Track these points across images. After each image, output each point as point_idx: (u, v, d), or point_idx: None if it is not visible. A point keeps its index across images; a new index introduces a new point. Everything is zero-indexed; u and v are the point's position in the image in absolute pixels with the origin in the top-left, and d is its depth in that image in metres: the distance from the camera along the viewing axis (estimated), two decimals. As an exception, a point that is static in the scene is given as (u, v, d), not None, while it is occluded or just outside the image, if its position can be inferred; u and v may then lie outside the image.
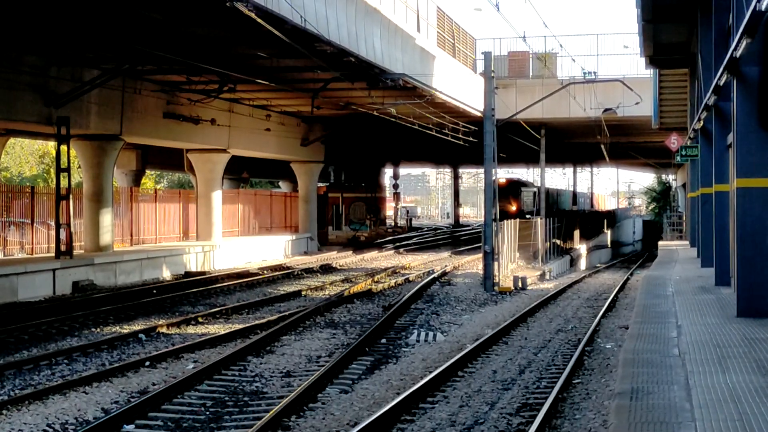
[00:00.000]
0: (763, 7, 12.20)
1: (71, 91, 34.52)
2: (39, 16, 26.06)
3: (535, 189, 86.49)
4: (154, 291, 32.82)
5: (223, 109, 46.65)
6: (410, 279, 38.14)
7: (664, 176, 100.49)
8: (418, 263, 47.13)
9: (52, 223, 36.44)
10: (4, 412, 14.47)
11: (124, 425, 13.61)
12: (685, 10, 32.40)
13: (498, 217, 36.83)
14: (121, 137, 39.54)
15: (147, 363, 18.64)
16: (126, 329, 23.25)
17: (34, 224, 38.12)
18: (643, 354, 14.50)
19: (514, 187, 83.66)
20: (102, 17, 27.08)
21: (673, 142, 47.39)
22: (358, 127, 58.43)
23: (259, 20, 24.90)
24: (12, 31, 29.06)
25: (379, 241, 68.49)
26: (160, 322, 24.32)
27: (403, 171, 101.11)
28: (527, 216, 77.93)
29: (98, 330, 23.68)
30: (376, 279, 37.54)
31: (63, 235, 35.31)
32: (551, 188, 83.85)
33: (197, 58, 33.10)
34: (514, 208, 79.87)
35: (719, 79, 20.45)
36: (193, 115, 44.32)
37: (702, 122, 29.03)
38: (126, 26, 28.31)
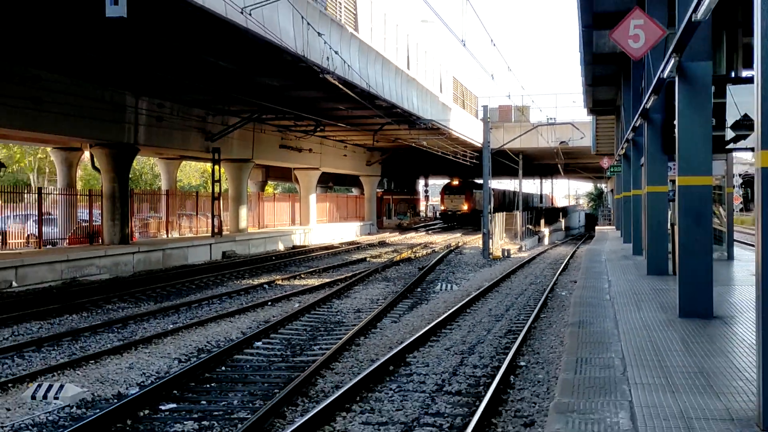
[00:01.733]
0: (665, 76, 12.14)
1: (221, 132, 34.84)
2: (201, 88, 26.33)
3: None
4: (273, 258, 33.05)
5: (316, 142, 46.84)
6: (435, 250, 38.14)
7: (599, 185, 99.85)
8: (441, 240, 47.09)
9: (209, 215, 36.85)
10: (181, 333, 14.74)
11: (255, 342, 13.83)
12: (614, 78, 32.27)
13: (493, 210, 36.83)
14: (252, 160, 39.91)
15: (269, 303, 18.83)
16: (255, 282, 23.48)
17: (198, 215, 38.55)
18: (586, 298, 14.51)
19: (467, 186, 70.92)
20: (241, 85, 27.32)
21: (605, 162, 47.30)
22: (402, 153, 58.56)
23: (340, 86, 25.03)
24: (187, 96, 29.39)
25: (414, 226, 68.59)
26: (277, 277, 24.53)
27: (431, 181, 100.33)
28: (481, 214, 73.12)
29: (238, 282, 23.91)
30: (413, 250, 37.56)
31: (216, 222, 35.73)
32: (525, 192, 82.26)
33: (300, 109, 33.26)
34: (465, 207, 69.57)
35: (635, 122, 20.38)
36: (297, 146, 44.54)
37: (624, 150, 28.86)
38: (255, 90, 28.53)
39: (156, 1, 15.75)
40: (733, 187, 22.72)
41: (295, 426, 8.04)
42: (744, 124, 12.40)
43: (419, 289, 21.91)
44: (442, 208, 72.11)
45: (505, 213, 45.54)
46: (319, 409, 8.70)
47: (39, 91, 23.90)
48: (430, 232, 60.36)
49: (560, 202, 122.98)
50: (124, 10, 11.12)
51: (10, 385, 10.70)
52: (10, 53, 21.73)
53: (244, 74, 25.28)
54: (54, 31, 19.01)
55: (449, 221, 70.17)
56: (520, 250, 39.40)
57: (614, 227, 48.63)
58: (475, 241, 44.61)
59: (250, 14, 17.79)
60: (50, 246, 28.18)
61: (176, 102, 31.34)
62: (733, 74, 17.71)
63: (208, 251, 32.36)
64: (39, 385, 10.13)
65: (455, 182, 70.84)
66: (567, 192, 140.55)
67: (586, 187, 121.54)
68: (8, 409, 9.47)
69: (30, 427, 8.81)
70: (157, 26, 18.45)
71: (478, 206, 70.20)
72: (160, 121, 30.64)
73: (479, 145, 45.17)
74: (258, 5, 18.18)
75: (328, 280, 23.67)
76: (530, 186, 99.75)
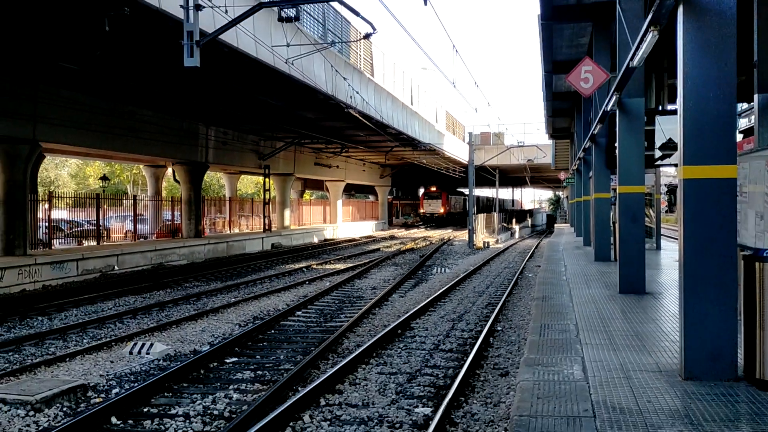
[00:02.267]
0: (608, 109, 12.08)
1: (270, 153, 34.88)
2: (255, 119, 26.39)
3: (465, 196, 71.26)
4: (309, 248, 33.07)
5: (342, 161, 46.81)
6: (432, 242, 38.05)
7: (557, 192, 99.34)
8: (436, 235, 46.97)
9: (261, 216, 36.89)
10: (240, 304, 14.75)
11: (296, 311, 13.83)
12: (569, 110, 32.12)
13: (476, 212, 36.71)
14: (293, 174, 39.85)
15: (306, 282, 18.82)
16: (296, 266, 23.50)
17: (253, 216, 38.60)
18: (548, 279, 14.44)
19: (443, 192, 64.67)
20: (285, 117, 27.34)
21: (562, 175, 47.00)
22: (407, 168, 58.37)
23: (360, 118, 25.02)
24: (244, 126, 29.45)
25: (416, 225, 68.00)
26: (312, 263, 24.54)
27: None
28: (456, 216, 66.94)
29: (283, 266, 23.85)
30: (415, 242, 37.48)
31: (266, 221, 35.74)
32: (501, 198, 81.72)
33: (329, 135, 33.28)
34: (442, 210, 63.42)
35: (585, 144, 20.26)
36: (327, 163, 44.54)
37: (576, 166, 28.70)
38: (295, 121, 28.54)
39: (222, 55, 15.78)
40: (660, 193, 22.56)
41: (327, 375, 8.04)
42: (669, 146, 12.34)
43: (420, 272, 21.87)
44: (422, 211, 64.96)
45: (485, 214, 45.38)
46: (345, 362, 8.69)
47: (134, 122, 23.99)
48: (428, 228, 60.17)
49: (527, 206, 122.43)
50: (197, 61, 11.14)
51: (113, 343, 10.76)
52: (114, 95, 21.83)
53: (288, 109, 25.31)
54: (146, 77, 19.09)
55: (428, 222, 64.47)
56: (497, 242, 39.24)
57: (569, 225, 48.40)
58: (462, 235, 44.51)
59: (292, 64, 17.81)
60: (142, 239, 28.30)
61: (236, 130, 31.39)
62: (660, 107, 17.60)
63: (260, 243, 32.41)
64: (134, 344, 10.18)
65: (433, 188, 64.58)
66: (533, 198, 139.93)
67: (547, 194, 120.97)
68: (112, 362, 9.52)
69: (128, 374, 8.84)
70: (222, 73, 18.49)
71: (452, 209, 66.43)
72: (224, 144, 30.72)
73: (465, 162, 45.04)
74: (298, 57, 18.18)
75: (351, 265, 23.66)
76: (505, 193, 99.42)
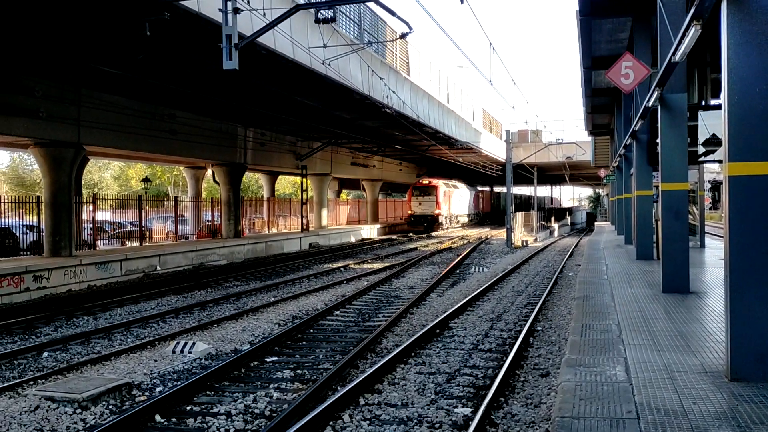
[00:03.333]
0: (650, 105, 11.87)
1: (307, 153, 35.15)
2: (292, 120, 26.60)
3: (466, 191, 57.68)
4: (347, 248, 33.18)
5: (378, 160, 46.94)
6: (469, 241, 37.84)
7: (597, 189, 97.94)
8: (473, 234, 46.71)
9: (299, 216, 37.18)
10: (280, 304, 14.89)
11: (334, 311, 13.90)
12: (608, 107, 31.66)
13: (503, 210, 36.43)
14: (330, 174, 40.11)
15: (344, 282, 18.88)
16: (334, 266, 23.59)
17: (291, 216, 38.94)
18: (589, 278, 14.27)
19: (434, 188, 48.08)
20: (321, 117, 27.50)
21: (602, 173, 46.31)
22: (444, 167, 58.03)
23: (397, 117, 25.04)
24: (282, 127, 29.72)
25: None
26: (349, 262, 24.62)
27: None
28: (458, 217, 54.30)
29: (321, 266, 23.96)
30: (452, 241, 37.35)
31: (304, 221, 36.01)
32: (539, 195, 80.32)
33: (366, 135, 33.38)
34: (436, 210, 47.31)
35: (626, 140, 19.96)
36: (364, 163, 44.71)
37: (617, 162, 28.27)
38: (332, 121, 28.68)
39: (259, 57, 15.95)
40: (704, 190, 22.08)
41: (366, 374, 8.07)
42: (712, 142, 12.06)
43: (458, 271, 21.78)
44: (410, 212, 47.95)
45: (523, 212, 44.94)
46: (383, 362, 8.72)
47: (174, 125, 24.42)
48: (465, 227, 59.64)
49: (566, 204, 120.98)
50: (236, 64, 11.29)
51: (156, 342, 10.97)
52: (155, 98, 22.25)
53: (324, 109, 25.48)
54: (186, 80, 19.41)
55: (416, 226, 47.40)
56: (535, 241, 38.87)
57: (610, 223, 47.70)
58: (500, 234, 44.18)
59: (329, 65, 17.91)
60: (183, 239, 28.78)
61: (274, 131, 31.71)
62: (703, 103, 17.23)
63: (298, 243, 32.67)
64: (177, 343, 10.36)
65: (425, 181, 48.43)
66: (572, 195, 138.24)
67: (586, 191, 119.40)
68: (155, 360, 9.71)
69: (171, 373, 9.01)
70: (260, 75, 18.69)
71: (454, 209, 52.74)
72: (262, 146, 31.05)
73: (503, 160, 44.80)
74: (335, 58, 18.28)
75: (388, 264, 23.67)
76: (543, 191, 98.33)
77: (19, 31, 14.18)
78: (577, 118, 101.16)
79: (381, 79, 22.48)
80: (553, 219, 57.65)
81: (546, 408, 7.06)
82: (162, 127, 23.78)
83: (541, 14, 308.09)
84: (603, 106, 31.77)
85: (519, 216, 40.11)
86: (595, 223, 56.79)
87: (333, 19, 13.21)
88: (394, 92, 24.10)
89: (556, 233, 49.63)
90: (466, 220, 57.38)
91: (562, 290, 16.54)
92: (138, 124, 22.48)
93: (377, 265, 23.70)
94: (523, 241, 34.88)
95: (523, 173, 55.20)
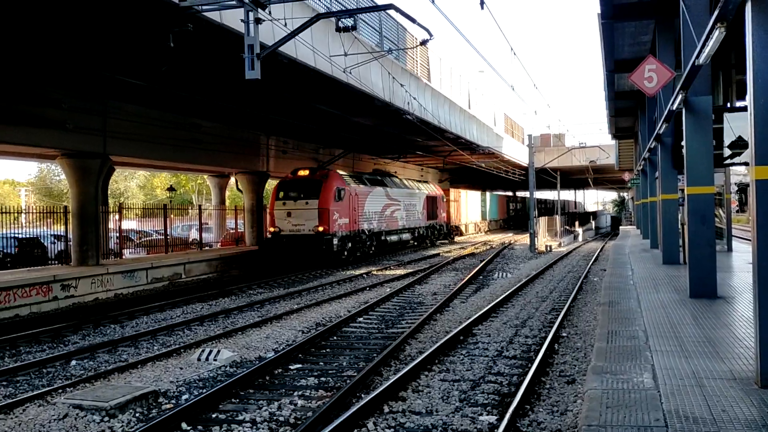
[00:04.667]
0: (674, 108, 11.75)
1: (329, 160, 35.25)
2: (313, 128, 26.71)
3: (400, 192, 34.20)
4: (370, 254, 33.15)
5: (400, 166, 46.93)
6: (492, 246, 37.63)
7: (621, 193, 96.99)
8: (496, 239, 46.48)
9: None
10: (303, 311, 14.91)
11: (357, 318, 13.89)
12: (632, 110, 31.36)
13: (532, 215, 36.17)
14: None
15: (366, 288, 18.86)
16: (356, 272, 23.52)
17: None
18: (614, 283, 14.12)
19: (324, 179, 25.58)
20: (342, 125, 27.55)
21: (626, 176, 45.85)
22: (466, 172, 57.97)
23: (418, 123, 25.05)
24: (303, 134, 29.87)
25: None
26: (372, 269, 24.51)
27: (487, 193, 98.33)
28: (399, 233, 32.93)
29: (343, 273, 23.65)
30: (475, 246, 37.18)
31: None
32: (563, 200, 79.39)
33: (387, 141, 33.42)
34: (319, 226, 24.56)
35: (651, 144, 19.75)
36: (386, 169, 44.78)
37: (641, 166, 27.99)
38: (353, 129, 28.74)
39: (281, 66, 16.07)
40: (731, 193, 21.77)
41: (390, 382, 8.06)
42: (738, 144, 11.88)
43: (481, 277, 21.65)
44: (271, 229, 25.74)
45: (546, 217, 44.61)
46: (407, 369, 8.70)
47: (198, 134, 24.68)
48: (488, 232, 59.31)
49: (590, 208, 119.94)
50: (258, 74, 11.39)
51: (182, 350, 11.06)
52: (179, 108, 22.51)
53: (345, 116, 25.58)
54: (209, 90, 19.61)
55: (273, 254, 24.84)
56: (559, 245, 38.58)
57: (635, 227, 47.21)
58: (523, 239, 43.91)
59: (350, 72, 17.99)
60: (208, 247, 29.02)
61: (295, 139, 31.87)
62: (728, 105, 17.01)
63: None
64: (202, 350, 10.44)
65: (303, 172, 26.42)
66: (596, 199, 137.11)
67: (611, 195, 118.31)
68: (181, 368, 9.77)
69: (197, 380, 9.07)
70: (281, 84, 18.82)
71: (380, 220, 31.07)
72: (284, 153, 31.23)
73: (525, 165, 44.53)
74: (355, 66, 18.36)
75: (410, 270, 23.61)
76: (567, 195, 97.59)
77: (45, 46, 14.45)
78: (600, 122, 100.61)
79: (402, 85, 22.53)
80: (577, 223, 57.18)
81: (572, 416, 6.98)
82: (186, 137, 24.05)
83: (562, 18, 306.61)
84: (626, 109, 31.48)
85: (542, 221, 39.85)
86: (620, 227, 56.23)
87: (354, 27, 13.27)
88: (414, 99, 24.13)
89: (580, 238, 49.23)
90: (408, 236, 34.24)
91: (587, 296, 16.37)
92: (162, 134, 22.76)
93: (400, 272, 23.64)
94: (547, 246, 34.61)
95: (546, 177, 54.95)
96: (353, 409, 7.03)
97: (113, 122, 20.57)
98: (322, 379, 9.04)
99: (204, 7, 11.68)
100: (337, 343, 11.48)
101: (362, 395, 8.04)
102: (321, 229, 24.34)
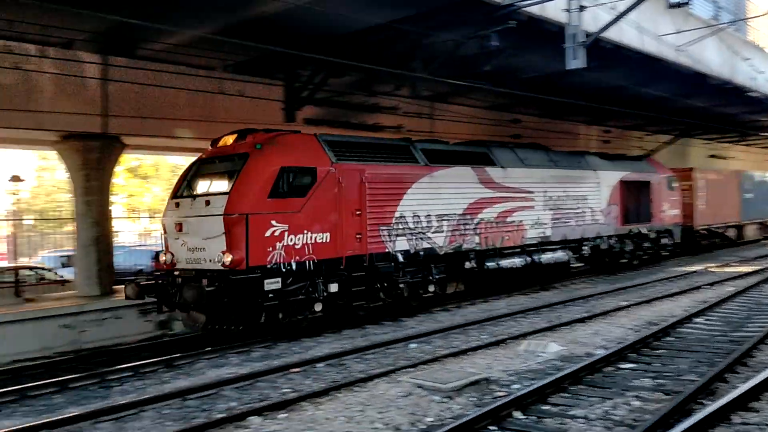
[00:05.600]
0: None
1: (656, 148, 32.86)
2: (635, 114, 25.19)
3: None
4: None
5: (741, 150, 41.45)
6: None
7: None
8: None
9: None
10: (631, 308, 14.17)
11: (694, 318, 12.72)
12: None
13: None
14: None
15: (703, 286, 17.12)
16: (690, 269, 21.42)
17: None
18: None
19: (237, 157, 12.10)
20: (671, 110, 25.40)
21: None
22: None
23: (765, 101, 22.08)
24: (627, 122, 28.40)
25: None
26: (709, 265, 22.20)
27: None
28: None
29: (674, 269, 21.67)
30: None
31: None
32: None
33: (723, 123, 30.02)
34: (232, 257, 10.90)
35: None
36: (723, 155, 40.02)
37: None
38: (682, 111, 26.34)
39: (603, 52, 15.48)
40: None
41: (741, 391, 7.27)
42: None
43: None
44: (162, 258, 12.27)
45: None
46: (762, 378, 7.73)
47: (519, 129, 25.18)
48: None
49: None
50: (582, 62, 11.17)
51: (508, 341, 11.37)
52: (500, 106, 23.14)
53: (672, 99, 23.59)
54: (527, 84, 19.80)
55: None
56: None
57: None
58: None
59: (681, 51, 16.63)
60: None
61: (618, 127, 30.43)
62: None
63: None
64: (529, 342, 10.60)
65: (228, 139, 12.16)
66: None
67: None
68: (509, 358, 10.03)
69: (526, 371, 9.22)
70: (601, 70, 18.14)
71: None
72: (606, 143, 30.04)
73: None
74: (688, 44, 16.86)
75: (757, 268, 20.88)
76: None
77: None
78: None
79: (746, 60, 20.03)
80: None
81: None
82: (507, 132, 24.60)
83: None
84: None
85: None
86: None
87: (686, 2, 12.23)
88: (762, 72, 21.27)
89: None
90: (563, 255, 19.12)
91: None
92: (485, 131, 23.61)
93: (743, 269, 21.09)
94: None
95: None
96: (699, 415, 6.49)
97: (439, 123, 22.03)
98: (659, 381, 8.51)
99: (523, 2, 11.82)
100: (673, 344, 10.67)
101: (704, 402, 7.37)
102: (230, 260, 11.02)
